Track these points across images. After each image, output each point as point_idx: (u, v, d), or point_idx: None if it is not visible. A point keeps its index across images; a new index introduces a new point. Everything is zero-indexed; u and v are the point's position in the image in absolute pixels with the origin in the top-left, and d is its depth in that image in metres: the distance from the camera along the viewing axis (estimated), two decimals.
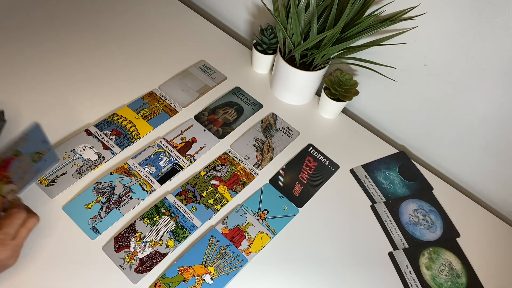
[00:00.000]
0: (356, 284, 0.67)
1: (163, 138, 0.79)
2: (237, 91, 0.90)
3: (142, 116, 0.82)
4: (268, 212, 0.73)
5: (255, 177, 0.77)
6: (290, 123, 0.86)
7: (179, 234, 0.68)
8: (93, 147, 0.75)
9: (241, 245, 0.68)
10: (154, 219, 0.69)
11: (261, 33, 0.87)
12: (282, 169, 0.79)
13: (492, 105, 0.72)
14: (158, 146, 0.77)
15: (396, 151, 0.86)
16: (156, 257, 0.65)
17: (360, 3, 0.72)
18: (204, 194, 0.73)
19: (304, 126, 0.86)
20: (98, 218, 0.67)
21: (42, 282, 0.61)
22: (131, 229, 0.67)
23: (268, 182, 0.77)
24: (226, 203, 0.73)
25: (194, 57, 0.94)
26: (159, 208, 0.70)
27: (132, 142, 0.78)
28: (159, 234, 0.67)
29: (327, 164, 0.81)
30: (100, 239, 0.66)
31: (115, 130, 0.78)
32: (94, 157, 0.74)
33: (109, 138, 0.77)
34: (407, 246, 0.72)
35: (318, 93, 0.92)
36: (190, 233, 0.68)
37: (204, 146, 0.79)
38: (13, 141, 0.63)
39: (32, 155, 0.62)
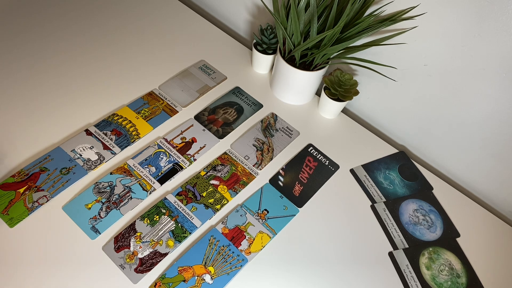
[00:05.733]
0: (356, 284, 0.67)
1: (163, 138, 0.79)
2: (237, 91, 0.90)
3: (142, 116, 0.82)
4: (268, 212, 0.73)
5: (255, 177, 0.77)
6: (290, 123, 0.86)
7: (179, 234, 0.68)
8: (93, 147, 0.75)
9: (241, 245, 0.68)
10: (154, 219, 0.69)
11: (261, 33, 0.87)
12: (282, 169, 0.79)
13: (492, 104, 0.72)
14: (158, 146, 0.78)
15: (396, 151, 0.86)
16: (156, 257, 0.65)
17: (360, 3, 0.72)
18: (204, 194, 0.73)
19: (304, 126, 0.86)
20: (98, 218, 0.67)
21: (42, 282, 0.61)
22: (131, 229, 0.67)
23: (268, 182, 0.77)
24: (226, 203, 0.73)
25: (194, 57, 0.95)
26: (159, 208, 0.70)
27: (132, 142, 0.78)
28: (159, 234, 0.67)
29: (327, 164, 0.81)
30: (100, 239, 0.66)
31: (115, 130, 0.78)
32: (94, 157, 0.74)
33: (109, 138, 0.77)
34: (407, 246, 0.72)
35: (318, 93, 0.92)
36: (190, 233, 0.68)
37: (204, 146, 0.79)
38: (38, 160, 0.72)
39: (60, 170, 0.71)
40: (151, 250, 0.66)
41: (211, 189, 0.74)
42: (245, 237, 0.69)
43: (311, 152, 0.82)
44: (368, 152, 0.84)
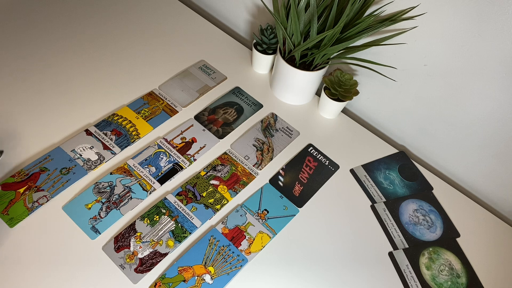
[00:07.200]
0: (356, 284, 0.67)
1: (163, 138, 0.79)
2: (237, 91, 0.90)
3: (142, 116, 0.82)
4: (268, 212, 0.73)
5: (255, 177, 0.77)
6: (290, 123, 0.86)
7: (179, 234, 0.68)
8: (93, 147, 0.75)
9: (241, 245, 0.68)
10: (154, 219, 0.69)
11: (261, 33, 0.87)
12: (282, 169, 0.79)
13: (492, 105, 0.72)
14: (158, 146, 0.78)
15: (396, 151, 0.86)
16: (156, 257, 0.65)
17: (360, 3, 0.72)
18: (204, 194, 0.73)
19: (304, 126, 0.86)
20: (98, 218, 0.67)
21: (42, 282, 0.61)
22: (131, 229, 0.67)
23: (268, 182, 0.77)
24: (226, 203, 0.73)
25: (194, 57, 0.95)
26: (159, 208, 0.70)
27: (132, 142, 0.78)
28: (159, 234, 0.67)
29: (327, 164, 0.81)
30: (100, 239, 0.66)
31: (115, 130, 0.78)
32: (94, 157, 0.74)
33: (109, 138, 0.77)
34: (407, 246, 0.72)
35: (318, 93, 0.92)
36: (190, 233, 0.68)
37: (204, 146, 0.79)
38: (38, 160, 0.72)
39: (60, 170, 0.71)
40: (151, 250, 0.66)
41: (211, 189, 0.74)
42: (245, 237, 0.69)
43: (311, 152, 0.82)
44: (368, 152, 0.84)
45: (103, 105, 0.82)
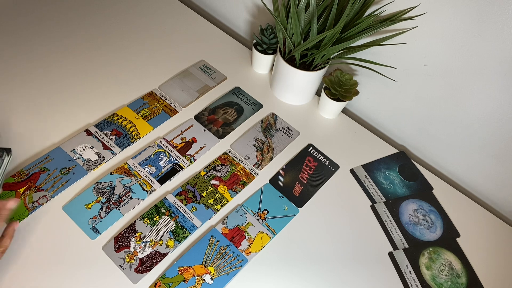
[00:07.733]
0: (356, 284, 0.67)
1: (163, 138, 0.79)
2: (237, 91, 0.90)
3: (142, 116, 0.82)
4: (268, 212, 0.73)
5: (255, 177, 0.77)
6: (290, 123, 0.86)
7: (179, 234, 0.68)
8: (93, 147, 0.75)
9: (241, 245, 0.68)
10: (154, 219, 0.69)
11: (261, 33, 0.87)
12: (282, 169, 0.79)
13: (492, 105, 0.72)
14: (158, 146, 0.77)
15: (396, 151, 0.86)
16: (156, 257, 0.65)
17: (360, 3, 0.72)
18: (204, 194, 0.73)
19: (304, 126, 0.86)
20: (98, 218, 0.67)
21: (42, 282, 0.61)
22: (131, 229, 0.67)
23: (268, 182, 0.77)
24: (226, 203, 0.73)
25: (194, 57, 0.95)
26: (159, 208, 0.70)
27: (132, 142, 0.78)
28: (159, 234, 0.67)
29: (327, 164, 0.81)
30: (100, 239, 0.66)
31: (115, 130, 0.78)
32: (94, 157, 0.74)
33: (109, 138, 0.77)
34: (407, 246, 0.72)
35: (318, 93, 0.92)
36: (190, 233, 0.68)
37: (204, 146, 0.79)
38: (38, 160, 0.72)
39: (60, 170, 0.71)
40: (151, 250, 0.66)
41: (211, 189, 0.74)
42: (245, 237, 0.69)
43: (311, 152, 0.82)
44: (368, 152, 0.84)
45: (103, 105, 0.82)
